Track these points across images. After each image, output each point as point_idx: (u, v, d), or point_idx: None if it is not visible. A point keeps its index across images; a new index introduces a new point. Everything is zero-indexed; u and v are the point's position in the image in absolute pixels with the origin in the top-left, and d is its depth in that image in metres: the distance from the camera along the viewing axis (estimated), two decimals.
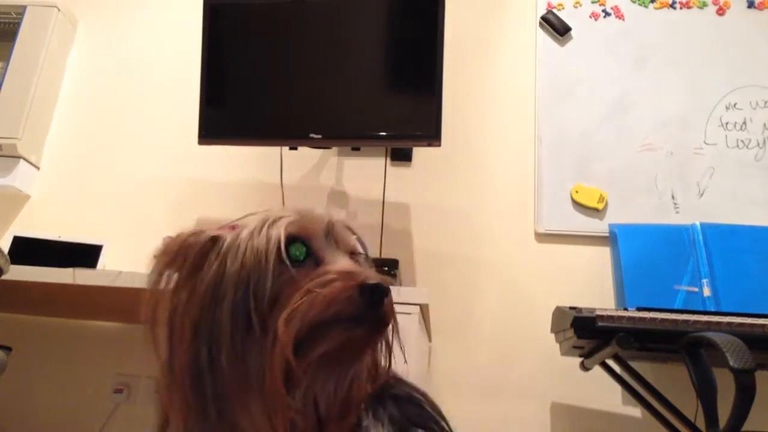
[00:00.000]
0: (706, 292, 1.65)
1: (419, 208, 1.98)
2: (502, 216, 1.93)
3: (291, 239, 0.58)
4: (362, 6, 1.86)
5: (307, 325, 0.54)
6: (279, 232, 0.58)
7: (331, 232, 0.62)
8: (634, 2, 2.05)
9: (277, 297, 0.55)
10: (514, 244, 1.90)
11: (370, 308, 0.56)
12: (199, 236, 0.60)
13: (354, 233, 0.67)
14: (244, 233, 0.58)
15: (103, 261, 1.87)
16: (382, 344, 0.64)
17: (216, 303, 0.55)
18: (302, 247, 0.59)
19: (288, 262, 0.57)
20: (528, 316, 1.81)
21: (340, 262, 0.59)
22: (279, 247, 0.57)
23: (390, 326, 0.61)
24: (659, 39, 2.01)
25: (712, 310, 1.60)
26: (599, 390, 1.70)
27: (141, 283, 1.58)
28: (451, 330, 1.82)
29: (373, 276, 0.57)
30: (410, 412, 0.62)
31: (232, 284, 0.55)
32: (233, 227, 0.61)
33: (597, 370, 1.53)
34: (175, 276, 0.59)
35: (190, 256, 0.59)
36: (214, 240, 0.60)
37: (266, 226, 0.59)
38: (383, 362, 0.64)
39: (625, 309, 1.37)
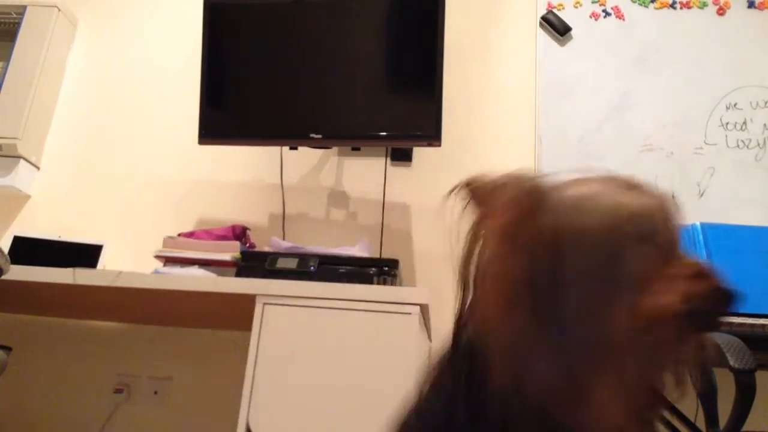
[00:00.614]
0: None
1: (419, 208, 1.98)
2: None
3: (636, 214, 0.57)
4: (362, 6, 1.86)
5: (676, 308, 0.54)
6: (632, 202, 0.57)
7: (667, 216, 0.61)
8: (634, 2, 2.05)
9: (644, 274, 0.55)
10: None
11: (720, 312, 0.57)
12: (535, 182, 0.57)
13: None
14: (581, 188, 0.57)
15: (103, 261, 1.87)
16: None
17: (561, 258, 0.54)
18: (647, 225, 0.57)
19: (636, 239, 0.55)
20: None
21: (687, 255, 0.59)
22: (632, 220, 0.55)
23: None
24: (659, 39, 2.01)
25: None
26: None
27: (141, 283, 1.59)
28: (450, 330, 1.81)
29: (723, 278, 0.57)
30: None
31: (585, 245, 0.54)
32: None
33: None
34: (502, 217, 0.56)
35: (527, 203, 0.56)
36: (547, 190, 0.57)
37: (610, 187, 0.57)
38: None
39: None
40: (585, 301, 0.54)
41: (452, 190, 0.60)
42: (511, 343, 0.55)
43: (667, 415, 1.39)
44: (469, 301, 0.58)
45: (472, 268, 0.58)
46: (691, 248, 1.72)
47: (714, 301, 0.56)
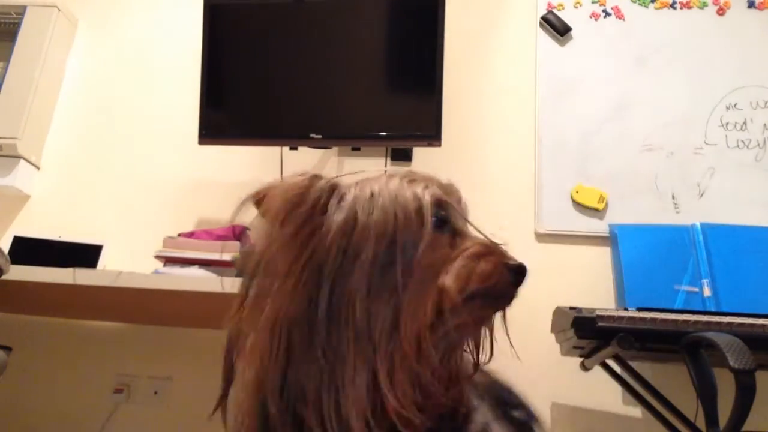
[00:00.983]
0: (707, 292, 1.65)
1: None
2: (502, 216, 1.93)
3: (436, 203, 0.57)
4: (362, 6, 1.86)
5: (464, 290, 0.55)
6: (425, 193, 0.57)
7: (459, 199, 0.62)
8: (634, 2, 2.05)
9: (431, 259, 0.54)
10: (514, 244, 1.89)
11: (512, 288, 0.58)
12: (314, 181, 0.57)
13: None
14: (376, 186, 0.57)
15: (103, 261, 1.86)
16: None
17: (350, 253, 0.53)
18: (444, 211, 0.58)
19: (431, 226, 0.55)
20: (528, 316, 1.80)
21: (480, 237, 0.60)
22: (426, 208, 0.55)
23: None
24: (659, 39, 2.01)
25: (713, 310, 1.60)
26: (599, 390, 1.69)
27: (141, 283, 1.58)
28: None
29: (511, 256, 0.59)
30: (505, 397, 0.65)
31: (373, 237, 0.53)
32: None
33: (597, 370, 1.53)
34: (280, 220, 0.55)
35: (308, 202, 0.55)
36: (333, 187, 0.57)
37: (406, 182, 0.57)
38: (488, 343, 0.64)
39: (626, 309, 1.37)
40: (373, 293, 0.52)
41: (242, 202, 0.59)
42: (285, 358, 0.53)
43: (667, 414, 1.39)
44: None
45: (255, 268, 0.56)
46: (691, 248, 1.72)
47: (503, 276, 0.57)
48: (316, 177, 0.58)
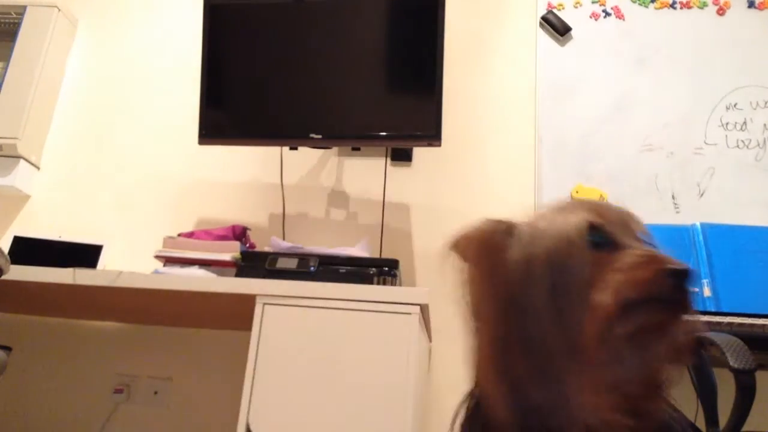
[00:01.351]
0: (707, 292, 1.65)
1: (419, 208, 1.98)
2: (502, 216, 1.93)
3: (591, 224, 0.62)
4: (362, 6, 1.86)
5: (623, 301, 0.58)
6: (579, 217, 0.63)
7: (624, 221, 0.65)
8: (634, 2, 2.05)
9: (588, 276, 0.59)
10: None
11: (678, 291, 0.59)
12: (496, 225, 0.66)
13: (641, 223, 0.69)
14: (541, 220, 0.64)
15: (103, 261, 1.87)
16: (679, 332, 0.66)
17: (529, 282, 0.60)
18: (601, 232, 0.62)
19: (590, 246, 0.61)
20: None
21: (642, 247, 0.62)
22: (581, 231, 0.61)
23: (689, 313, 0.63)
24: (659, 39, 2.01)
25: (713, 310, 1.60)
26: None
27: (141, 283, 1.59)
28: (451, 330, 1.82)
29: (676, 261, 0.60)
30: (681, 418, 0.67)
31: (544, 264, 0.60)
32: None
33: None
34: (475, 263, 0.64)
35: (491, 245, 0.64)
36: (510, 228, 0.66)
37: (566, 212, 0.64)
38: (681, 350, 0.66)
39: None
40: (551, 316, 0.58)
41: (444, 252, 0.67)
42: (503, 376, 0.59)
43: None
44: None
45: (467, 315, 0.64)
46: (691, 248, 1.72)
47: (662, 282, 0.59)
48: (499, 222, 0.67)
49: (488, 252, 0.64)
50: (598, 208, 0.65)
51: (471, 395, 0.65)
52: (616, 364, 0.59)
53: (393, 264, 1.55)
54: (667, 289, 0.59)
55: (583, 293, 0.59)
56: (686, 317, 0.63)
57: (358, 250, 1.65)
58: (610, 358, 0.58)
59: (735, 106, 1.93)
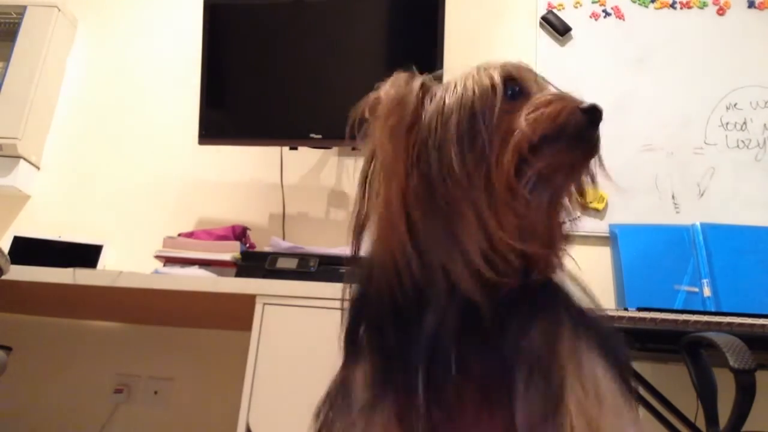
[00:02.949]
0: (707, 292, 1.65)
1: None
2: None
3: (506, 78, 0.66)
4: (362, 6, 1.86)
5: (539, 133, 0.60)
6: (495, 72, 0.66)
7: (537, 78, 0.69)
8: (634, 2, 2.05)
9: (501, 121, 0.63)
10: None
11: (590, 126, 0.62)
12: (409, 81, 0.69)
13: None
14: (458, 79, 0.67)
15: (103, 261, 1.87)
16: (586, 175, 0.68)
17: (444, 125, 0.63)
18: (516, 83, 0.66)
19: (506, 96, 0.64)
20: None
21: (553, 91, 0.65)
22: (496, 83, 0.64)
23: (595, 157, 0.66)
24: (659, 39, 2.01)
25: (713, 310, 1.60)
26: None
27: (141, 283, 1.58)
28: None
29: (583, 100, 0.62)
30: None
31: (457, 109, 0.63)
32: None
33: None
34: (388, 119, 0.66)
35: (408, 100, 0.66)
36: (424, 84, 0.68)
37: (481, 69, 0.68)
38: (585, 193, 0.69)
39: (626, 309, 1.37)
40: (466, 157, 0.62)
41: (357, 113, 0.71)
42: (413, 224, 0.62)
43: (667, 414, 1.39)
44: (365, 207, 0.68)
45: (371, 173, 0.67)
46: (692, 248, 1.72)
47: (576, 117, 0.61)
48: (412, 78, 0.69)
49: (403, 105, 0.66)
50: (510, 65, 0.69)
51: (364, 265, 0.67)
52: (522, 202, 0.61)
53: None
54: (580, 124, 0.61)
55: (499, 132, 0.62)
56: (592, 161, 0.66)
57: None
58: (518, 195, 0.61)
59: (735, 106, 1.93)
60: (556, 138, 0.61)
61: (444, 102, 0.65)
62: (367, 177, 0.68)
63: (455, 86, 0.66)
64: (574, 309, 0.65)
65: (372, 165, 0.67)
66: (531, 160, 0.61)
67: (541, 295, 0.63)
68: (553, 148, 0.62)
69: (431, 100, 0.66)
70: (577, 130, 0.61)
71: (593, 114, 0.62)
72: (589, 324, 0.65)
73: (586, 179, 0.68)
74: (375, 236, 0.66)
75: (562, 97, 0.63)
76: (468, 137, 0.62)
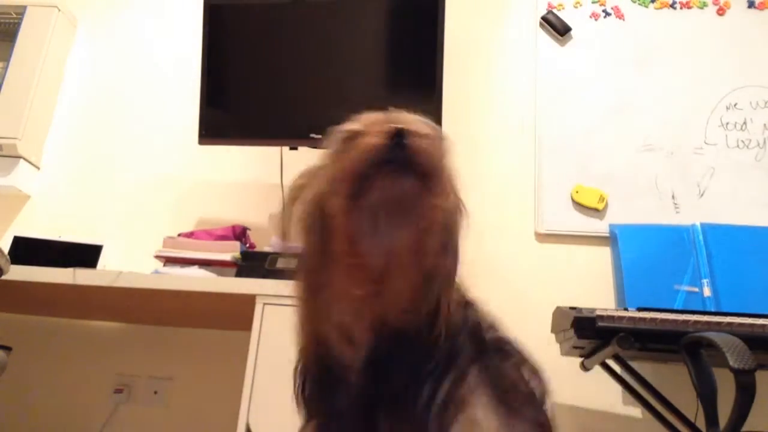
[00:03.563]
0: (707, 292, 1.65)
1: None
2: (502, 216, 1.93)
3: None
4: (362, 6, 1.86)
5: (349, 178, 0.62)
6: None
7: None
8: (634, 2, 2.05)
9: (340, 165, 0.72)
10: (515, 244, 1.90)
11: (397, 149, 0.61)
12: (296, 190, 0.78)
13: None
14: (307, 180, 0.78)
15: (103, 261, 1.86)
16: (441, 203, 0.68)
17: (308, 226, 0.74)
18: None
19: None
20: (528, 316, 1.80)
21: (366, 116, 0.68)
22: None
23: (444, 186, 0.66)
24: (659, 39, 2.01)
25: (713, 310, 1.60)
26: (599, 390, 1.69)
27: (141, 283, 1.58)
28: None
29: (403, 120, 0.62)
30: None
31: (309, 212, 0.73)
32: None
33: (597, 370, 1.53)
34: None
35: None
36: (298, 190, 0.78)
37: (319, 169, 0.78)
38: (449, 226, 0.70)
39: (626, 309, 1.37)
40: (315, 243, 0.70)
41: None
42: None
43: (667, 414, 1.39)
44: None
45: None
46: (692, 248, 1.72)
47: (380, 147, 0.61)
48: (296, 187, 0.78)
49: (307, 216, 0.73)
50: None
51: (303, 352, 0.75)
52: (373, 238, 0.63)
53: None
54: (385, 149, 0.60)
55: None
56: (438, 187, 0.64)
57: None
58: (359, 232, 0.63)
59: (735, 106, 1.93)
60: (372, 172, 0.62)
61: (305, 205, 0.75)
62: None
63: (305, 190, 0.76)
64: (475, 351, 0.68)
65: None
66: (357, 200, 0.62)
67: (445, 348, 0.65)
68: (372, 181, 0.62)
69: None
70: (385, 157, 0.61)
71: (396, 137, 0.61)
72: (487, 362, 0.69)
73: (440, 208, 0.66)
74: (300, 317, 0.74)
75: (371, 124, 0.66)
76: (318, 230, 0.70)
